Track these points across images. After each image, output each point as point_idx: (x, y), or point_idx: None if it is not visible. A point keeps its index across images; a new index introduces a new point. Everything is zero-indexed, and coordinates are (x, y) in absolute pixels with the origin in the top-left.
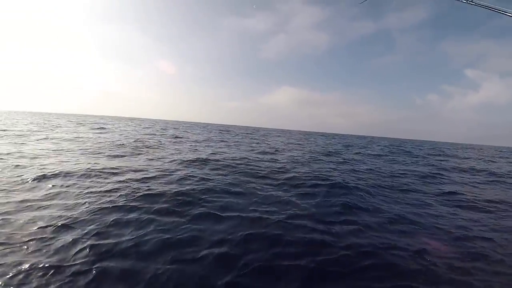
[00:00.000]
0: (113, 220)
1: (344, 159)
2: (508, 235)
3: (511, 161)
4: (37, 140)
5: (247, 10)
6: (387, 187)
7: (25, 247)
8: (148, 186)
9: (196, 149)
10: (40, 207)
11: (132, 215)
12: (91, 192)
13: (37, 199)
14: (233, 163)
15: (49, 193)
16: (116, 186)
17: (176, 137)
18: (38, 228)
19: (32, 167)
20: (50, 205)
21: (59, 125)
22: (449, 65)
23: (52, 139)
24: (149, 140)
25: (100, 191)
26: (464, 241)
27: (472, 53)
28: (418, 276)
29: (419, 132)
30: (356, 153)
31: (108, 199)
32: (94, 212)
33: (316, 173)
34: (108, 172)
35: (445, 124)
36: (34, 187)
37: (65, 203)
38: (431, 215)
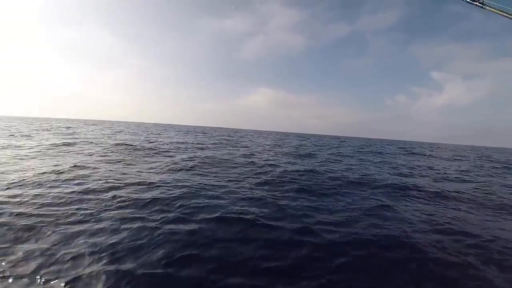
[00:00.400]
0: (84, 229)
1: (316, 160)
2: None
3: (467, 159)
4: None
5: (226, 11)
6: (355, 186)
7: None
8: (122, 193)
9: (171, 155)
10: (9, 214)
11: (103, 224)
12: (58, 202)
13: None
14: (209, 171)
15: (15, 202)
16: (87, 196)
17: (150, 141)
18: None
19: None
20: (15, 213)
21: (20, 131)
22: (417, 67)
23: (17, 147)
24: (122, 145)
25: (70, 201)
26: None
27: (438, 55)
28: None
29: (390, 132)
30: (330, 154)
31: (79, 208)
32: (62, 222)
33: (290, 176)
34: (78, 182)
35: (413, 124)
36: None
37: (31, 212)
38: (397, 211)
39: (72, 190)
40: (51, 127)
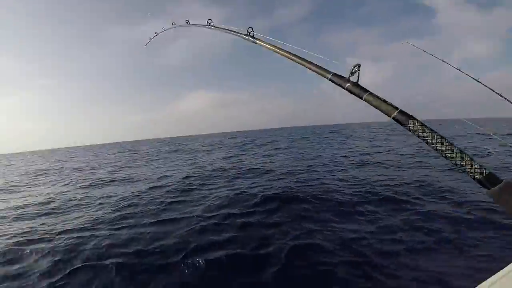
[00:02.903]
0: None
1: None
2: None
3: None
4: None
5: (135, 17)
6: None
7: None
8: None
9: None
10: None
11: None
12: None
13: None
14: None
15: None
16: None
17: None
18: None
19: None
20: None
21: None
22: (332, 55)
23: None
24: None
25: None
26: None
27: (347, 41)
28: None
29: (320, 116)
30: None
31: None
32: None
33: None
34: None
35: (338, 108)
36: None
37: None
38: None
39: None
40: None
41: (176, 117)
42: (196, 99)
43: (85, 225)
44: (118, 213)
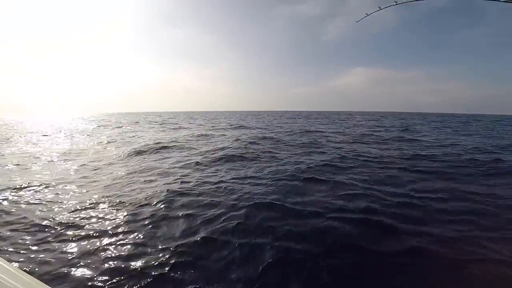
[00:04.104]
0: None
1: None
2: None
3: None
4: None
5: None
6: None
7: None
8: None
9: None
10: None
11: None
12: None
13: None
14: None
15: None
16: None
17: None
18: None
19: None
20: None
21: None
22: None
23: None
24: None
25: None
26: None
27: None
28: None
29: None
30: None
31: None
32: None
33: None
34: None
35: None
36: None
37: None
38: None
39: None
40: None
41: (336, 91)
42: (354, 76)
43: None
44: None
